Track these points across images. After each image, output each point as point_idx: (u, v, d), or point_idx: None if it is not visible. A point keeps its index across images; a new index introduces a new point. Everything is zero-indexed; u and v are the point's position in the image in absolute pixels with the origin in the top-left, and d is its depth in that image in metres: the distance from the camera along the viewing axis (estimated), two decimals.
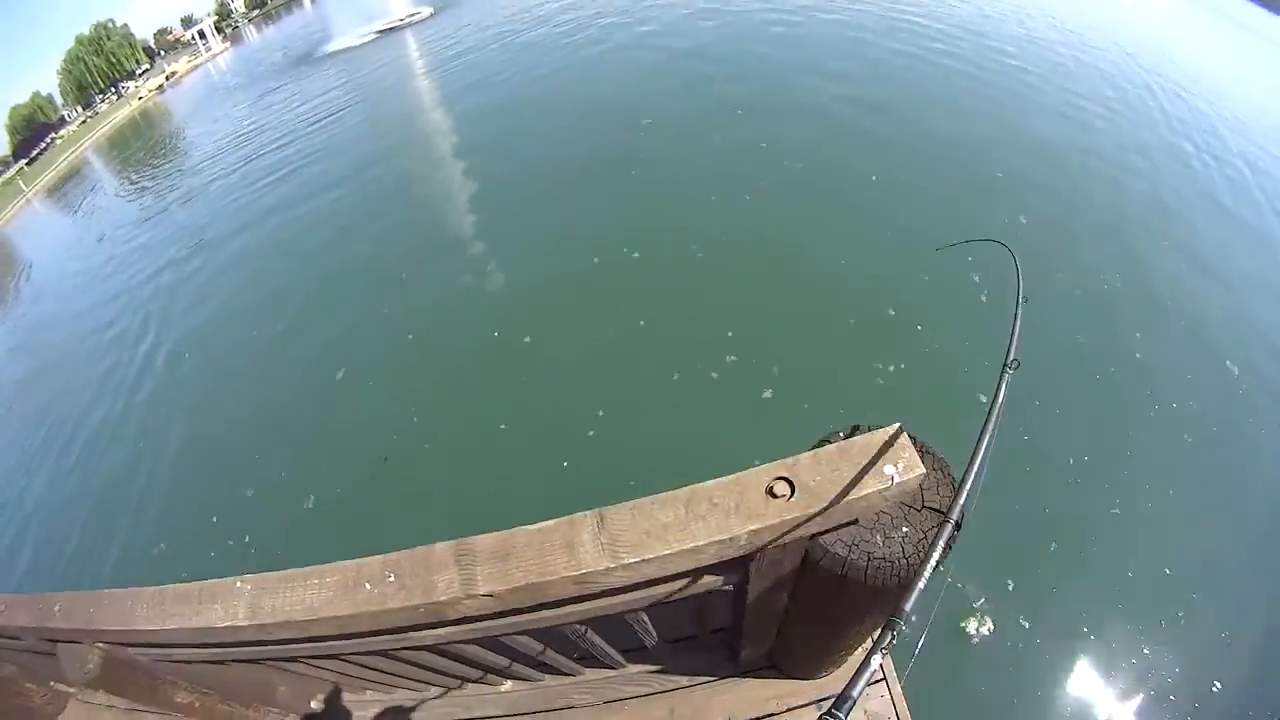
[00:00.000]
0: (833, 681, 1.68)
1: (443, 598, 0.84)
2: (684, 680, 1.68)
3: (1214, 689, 2.47)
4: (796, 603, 1.15)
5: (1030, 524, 2.89)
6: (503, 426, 3.14)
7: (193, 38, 51.00)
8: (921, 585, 0.77)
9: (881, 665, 1.62)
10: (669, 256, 4.06)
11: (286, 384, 4.02)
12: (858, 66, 5.80)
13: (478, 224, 5.00)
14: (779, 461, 0.90)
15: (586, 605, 1.02)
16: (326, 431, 3.54)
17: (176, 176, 11.78)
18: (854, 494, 0.83)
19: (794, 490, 0.86)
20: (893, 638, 0.72)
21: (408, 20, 17.36)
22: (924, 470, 0.83)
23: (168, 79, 38.02)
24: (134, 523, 3.71)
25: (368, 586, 0.86)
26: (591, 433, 3.01)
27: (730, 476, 0.90)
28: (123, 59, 56.15)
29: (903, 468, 0.84)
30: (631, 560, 0.85)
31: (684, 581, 1.01)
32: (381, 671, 1.39)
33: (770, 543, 0.89)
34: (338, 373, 3.94)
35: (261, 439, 3.71)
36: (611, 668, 1.65)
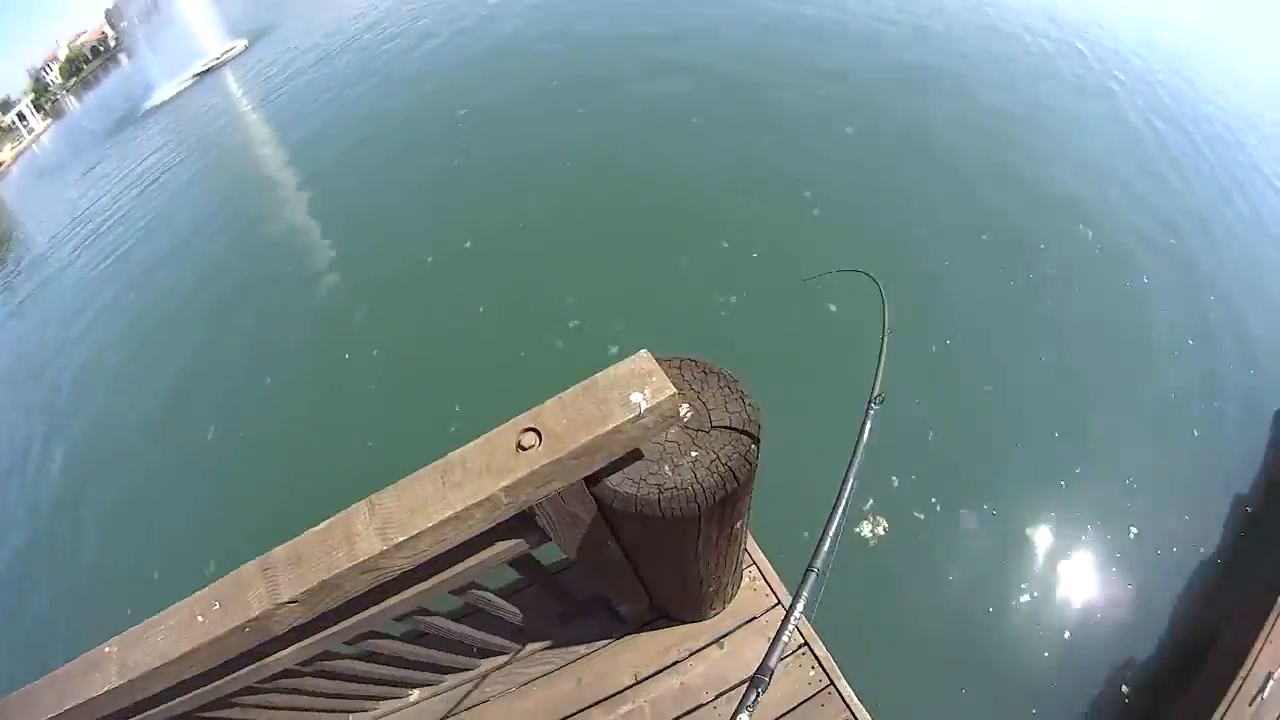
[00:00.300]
0: (728, 617, 1.67)
1: (257, 613, 0.82)
2: (583, 649, 1.67)
3: (1131, 534, 2.69)
4: (629, 549, 1.10)
5: (906, 417, 2.99)
6: (370, 444, 3.06)
7: (13, 122, 45.52)
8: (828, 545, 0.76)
9: (781, 604, 1.63)
10: (501, 242, 4.03)
11: (162, 463, 3.74)
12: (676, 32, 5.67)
13: (329, 250, 4.75)
14: (527, 412, 0.83)
15: (401, 596, 0.98)
16: (214, 492, 3.37)
17: (14, 279, 10.53)
18: (602, 430, 0.78)
19: (541, 438, 0.79)
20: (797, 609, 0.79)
21: (223, 57, 16.23)
22: (674, 390, 0.78)
23: None
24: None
25: (200, 619, 0.84)
26: (453, 428, 2.95)
27: (483, 437, 0.83)
28: None
29: (650, 393, 0.79)
30: (402, 539, 0.80)
31: (482, 552, 0.95)
32: (283, 709, 1.30)
33: (541, 496, 0.83)
34: (207, 433, 3.70)
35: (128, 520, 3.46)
36: (506, 653, 1.59)
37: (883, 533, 2.64)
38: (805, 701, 1.55)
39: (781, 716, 1.54)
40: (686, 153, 4.43)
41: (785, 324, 3.19)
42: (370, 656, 1.29)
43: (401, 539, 0.80)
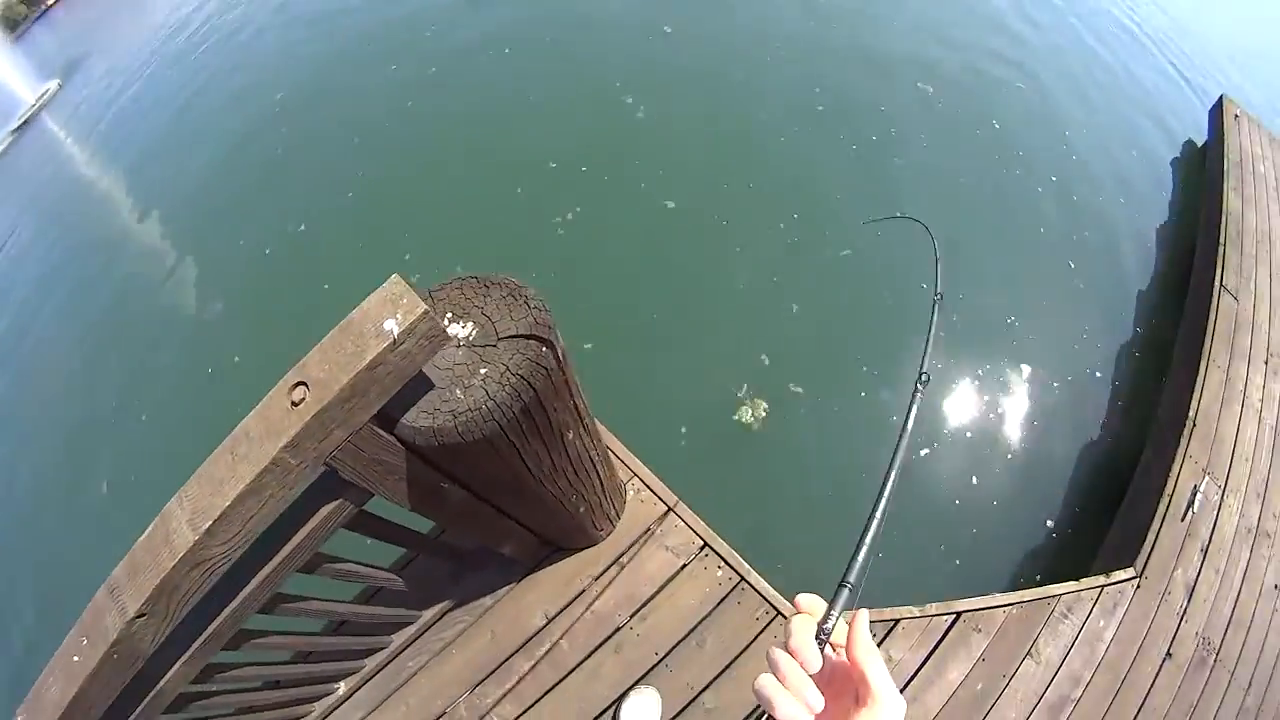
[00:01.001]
0: (622, 535, 1.72)
1: (115, 635, 0.79)
2: (489, 600, 1.68)
3: (1024, 372, 2.91)
4: (471, 487, 1.10)
5: (763, 289, 3.06)
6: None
7: None
8: None
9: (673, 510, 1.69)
10: (334, 217, 3.93)
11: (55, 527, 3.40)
12: None
13: (181, 269, 4.40)
14: (294, 367, 0.80)
15: (252, 586, 0.96)
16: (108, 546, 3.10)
17: None
18: (362, 365, 0.76)
19: (309, 389, 0.77)
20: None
21: (39, 103, 14.49)
22: (425, 308, 0.77)
23: None
24: None
25: (76, 659, 0.80)
26: None
27: (261, 402, 0.80)
28: None
29: (403, 315, 0.77)
30: (209, 524, 0.77)
31: (308, 523, 0.93)
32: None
33: (331, 449, 0.81)
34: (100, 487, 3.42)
35: None
36: (411, 623, 1.58)
37: (764, 414, 2.66)
38: (721, 601, 1.64)
39: (702, 621, 1.62)
40: (490, 82, 4.39)
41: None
42: (263, 660, 1.25)
43: (209, 524, 0.77)
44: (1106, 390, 2.90)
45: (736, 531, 1.82)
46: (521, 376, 0.87)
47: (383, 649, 1.60)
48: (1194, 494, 2.30)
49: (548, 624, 1.65)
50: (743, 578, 1.66)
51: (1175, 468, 2.37)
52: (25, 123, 14.01)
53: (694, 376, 2.76)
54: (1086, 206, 3.59)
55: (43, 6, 22.67)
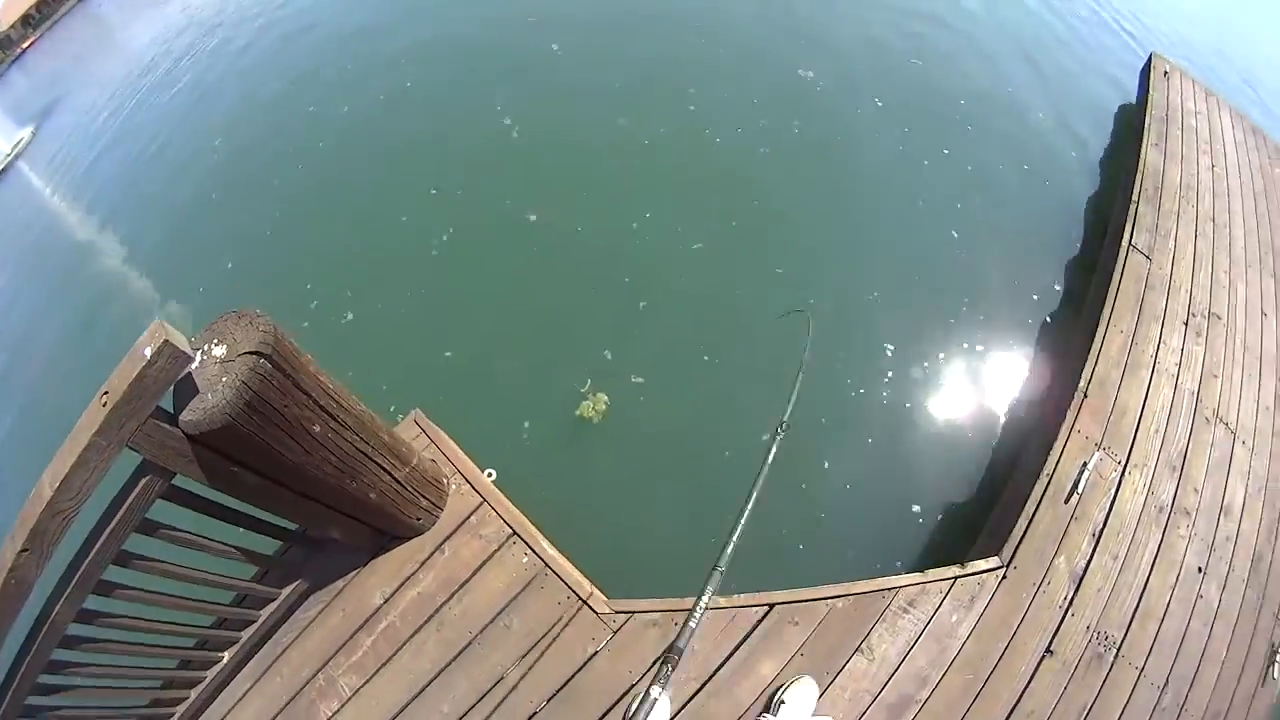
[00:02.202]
0: (445, 524, 2.49)
1: (9, 564, 1.51)
2: (340, 583, 2.49)
3: (887, 352, 3.53)
4: (259, 471, 1.93)
5: (611, 282, 3.90)
6: None
7: None
8: None
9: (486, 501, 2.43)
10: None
11: None
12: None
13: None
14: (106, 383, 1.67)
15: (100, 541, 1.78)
16: None
17: None
18: (133, 377, 1.61)
19: (109, 395, 1.63)
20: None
21: (13, 153, 17.39)
22: (165, 339, 1.60)
23: None
24: None
25: None
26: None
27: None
28: None
29: (153, 346, 1.61)
30: (59, 484, 1.60)
31: (130, 492, 1.77)
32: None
33: (128, 435, 1.66)
34: None
35: None
36: (273, 600, 2.41)
37: (604, 407, 3.37)
38: (526, 586, 2.35)
39: (509, 604, 2.34)
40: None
41: None
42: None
43: (58, 484, 1.57)
44: (1012, 366, 3.45)
45: (566, 521, 2.58)
46: (243, 381, 1.68)
47: (255, 623, 2.43)
48: (1081, 472, 2.45)
49: (384, 603, 2.44)
50: (546, 565, 2.36)
51: (1058, 444, 2.55)
52: (0, 172, 16.86)
53: (538, 374, 3.62)
54: (1021, 175, 4.27)
55: (16, 51, 26.71)
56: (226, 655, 2.43)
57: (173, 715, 2.38)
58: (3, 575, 1.60)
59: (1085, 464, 2.48)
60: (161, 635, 2.17)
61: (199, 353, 1.73)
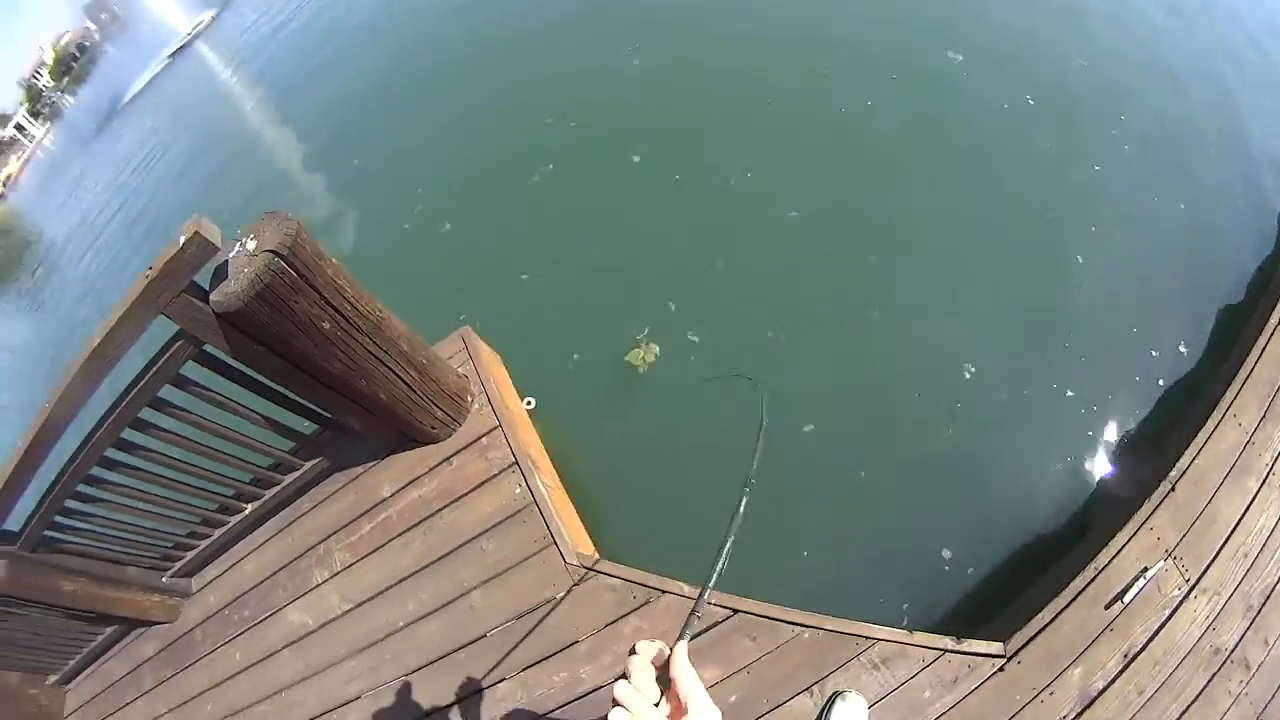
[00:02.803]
0: (460, 439, 2.71)
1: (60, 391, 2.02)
2: (359, 469, 2.81)
3: (969, 372, 3.36)
4: (277, 351, 2.20)
5: (692, 243, 3.87)
6: None
7: (13, 134, 55.14)
8: None
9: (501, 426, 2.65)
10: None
11: None
12: None
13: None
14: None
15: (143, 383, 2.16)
16: None
17: (49, 273, 13.96)
18: (169, 257, 1.90)
19: (152, 271, 1.94)
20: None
21: (194, 31, 19.46)
22: (196, 230, 1.87)
23: (4, 185, 41.53)
24: None
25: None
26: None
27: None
28: None
29: (184, 235, 1.89)
30: (109, 331, 1.97)
31: (168, 351, 2.10)
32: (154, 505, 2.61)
33: (163, 305, 1.97)
34: None
35: None
36: (296, 469, 2.80)
37: (653, 358, 3.40)
38: (511, 516, 2.52)
39: (492, 528, 2.55)
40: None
41: None
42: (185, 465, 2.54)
43: (107, 331, 1.96)
44: (1104, 426, 3.04)
45: (584, 464, 2.76)
46: (257, 274, 1.93)
47: (277, 485, 2.80)
48: (1137, 578, 2.11)
49: (390, 497, 2.72)
50: (534, 500, 2.50)
51: (1121, 536, 2.19)
52: (181, 49, 19.08)
53: (602, 312, 3.76)
54: (1176, 214, 3.71)
55: None
56: (249, 508, 2.86)
57: (198, 546, 2.83)
58: (56, 397, 1.99)
59: (1145, 570, 2.12)
60: (192, 476, 2.59)
61: (237, 244, 1.96)
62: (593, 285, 3.97)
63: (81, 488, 2.34)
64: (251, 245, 1.95)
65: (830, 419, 3.12)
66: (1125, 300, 3.38)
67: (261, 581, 2.86)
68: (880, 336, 3.36)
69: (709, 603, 1.08)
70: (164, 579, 2.97)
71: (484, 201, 4.83)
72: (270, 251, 1.88)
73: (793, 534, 2.87)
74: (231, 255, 1.95)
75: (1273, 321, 2.64)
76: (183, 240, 1.80)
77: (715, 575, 0.96)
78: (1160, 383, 3.12)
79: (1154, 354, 3.19)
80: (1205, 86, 4.44)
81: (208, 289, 1.95)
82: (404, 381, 2.41)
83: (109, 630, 3.12)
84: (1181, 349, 3.20)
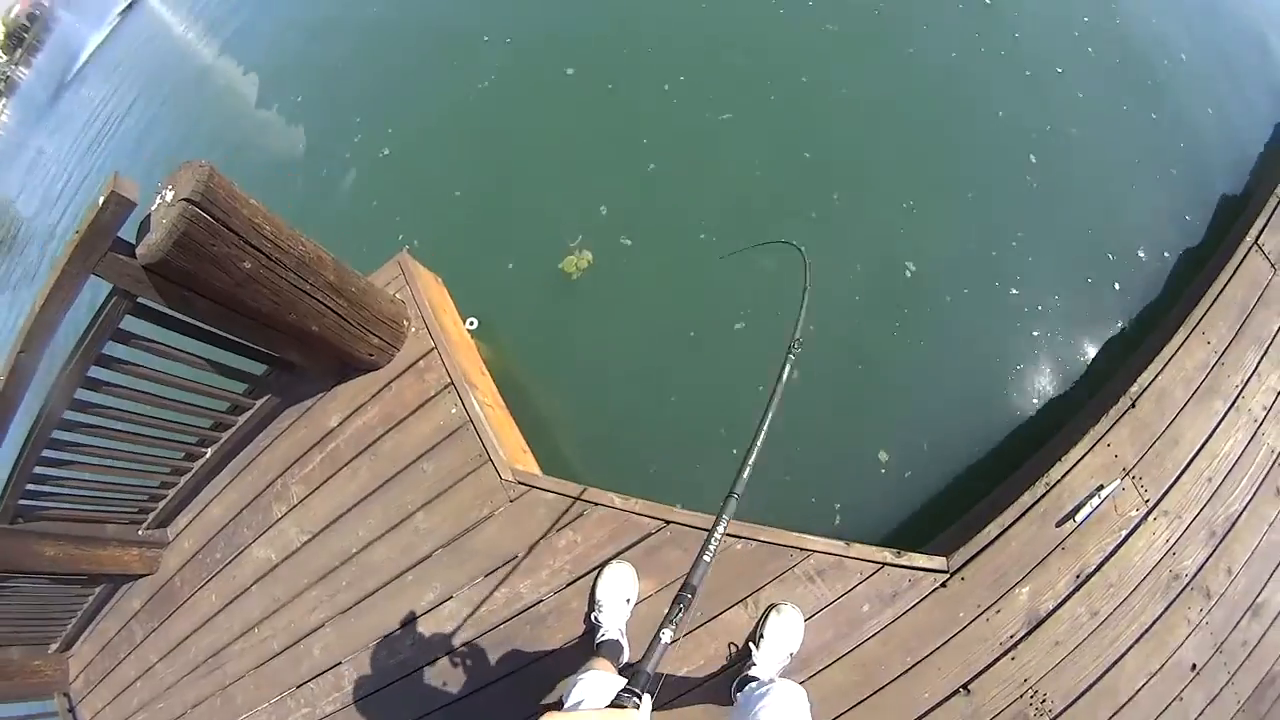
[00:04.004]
0: (399, 364, 2.96)
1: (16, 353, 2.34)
2: (309, 403, 3.09)
3: (908, 271, 3.53)
4: (206, 295, 2.47)
5: (623, 146, 4.10)
6: None
7: None
8: None
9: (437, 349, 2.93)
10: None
11: None
12: None
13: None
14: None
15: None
16: None
17: (21, 244, 14.53)
18: (93, 217, 2.19)
19: (79, 232, 2.23)
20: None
21: None
22: (113, 189, 2.16)
23: None
24: None
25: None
26: None
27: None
28: None
29: (103, 194, 2.17)
30: (46, 298, 2.27)
31: (106, 307, 2.40)
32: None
33: (94, 264, 2.25)
34: None
35: None
36: (248, 409, 3.13)
37: (586, 265, 3.62)
38: (448, 436, 2.80)
39: (431, 449, 2.82)
40: None
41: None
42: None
43: (44, 300, 2.24)
44: (1063, 331, 3.18)
45: (525, 380, 3.07)
46: (172, 222, 2.20)
47: (231, 427, 3.10)
48: (1091, 496, 2.14)
49: (337, 426, 2.98)
50: (470, 419, 2.76)
51: (1076, 451, 2.21)
52: (130, 6, 19.43)
53: (536, 221, 4.02)
54: (1150, 124, 3.84)
55: None
56: (209, 451, 3.16)
57: (168, 495, 3.18)
58: (7, 370, 2.26)
59: (1101, 488, 2.14)
60: (153, 428, 2.88)
61: (158, 195, 2.23)
62: (527, 197, 4.24)
63: (48, 453, 2.62)
64: (169, 195, 2.19)
65: (762, 318, 3.34)
66: (1079, 196, 3.55)
67: (228, 523, 3.17)
68: (817, 234, 3.54)
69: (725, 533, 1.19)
70: (140, 531, 3.28)
71: (421, 124, 5.09)
72: (185, 200, 2.12)
73: (720, 434, 3.10)
74: (153, 208, 2.19)
75: (1249, 238, 2.72)
76: (101, 200, 2.05)
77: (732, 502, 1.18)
78: (1118, 288, 3.28)
79: (1110, 256, 3.37)
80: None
81: (135, 243, 2.18)
82: (334, 311, 2.64)
83: (97, 590, 3.46)
84: (1140, 254, 3.37)
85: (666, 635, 0.98)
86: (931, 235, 3.46)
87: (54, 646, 3.63)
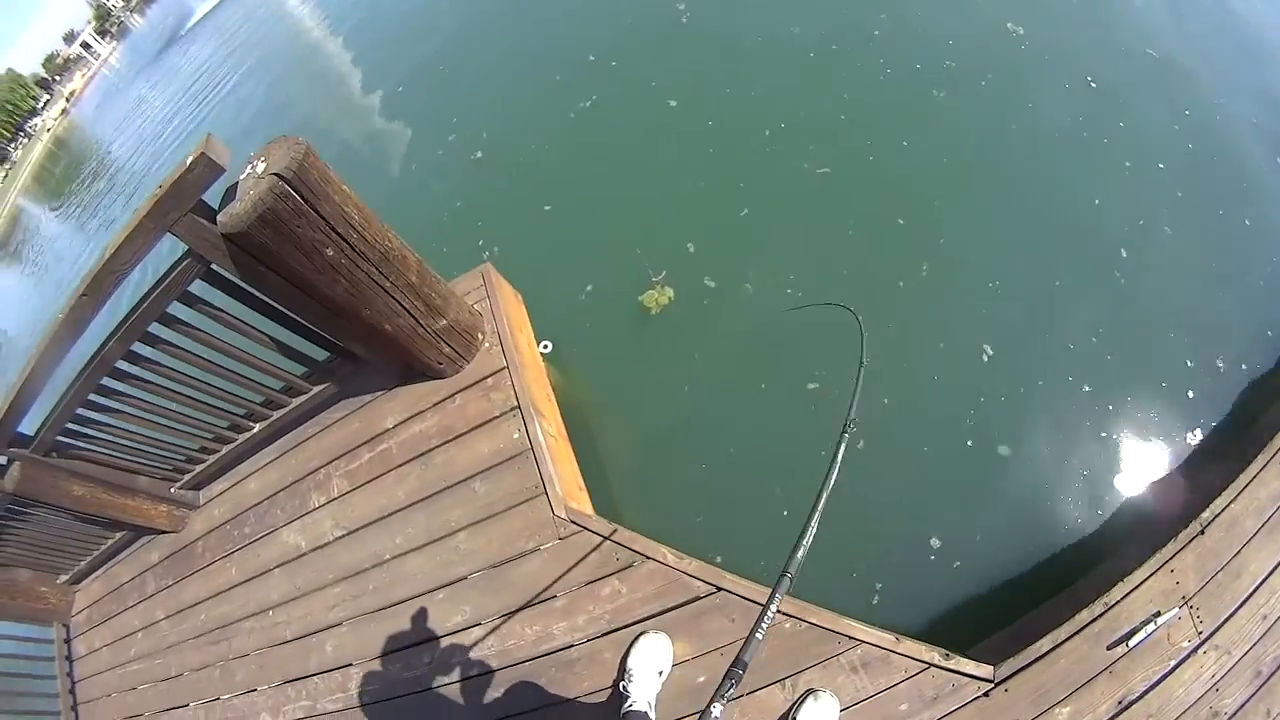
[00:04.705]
0: (467, 377, 2.76)
1: (70, 306, 2.15)
2: (367, 398, 2.91)
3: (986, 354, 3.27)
4: (280, 273, 2.26)
5: (718, 191, 3.92)
6: None
7: (79, 52, 57.32)
8: None
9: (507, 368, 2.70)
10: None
11: None
12: None
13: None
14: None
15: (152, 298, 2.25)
16: None
17: (110, 183, 14.67)
18: (177, 176, 1.96)
19: (162, 189, 2.00)
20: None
21: None
22: (203, 150, 1.92)
23: (69, 100, 43.16)
24: None
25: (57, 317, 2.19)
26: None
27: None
28: (18, 102, 68.23)
29: (193, 155, 1.95)
30: (117, 248, 2.05)
31: (176, 269, 2.19)
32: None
33: (170, 223, 2.04)
34: None
35: None
36: (305, 394, 2.92)
37: (667, 301, 3.48)
38: (507, 460, 2.57)
39: (486, 470, 2.59)
40: None
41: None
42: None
43: (114, 250, 2.05)
44: (1136, 440, 2.88)
45: (586, 408, 2.82)
46: (259, 196, 1.99)
47: (286, 407, 2.93)
48: (1147, 623, 2.00)
49: (392, 428, 2.81)
50: (531, 447, 2.55)
51: (1137, 575, 2.07)
52: None
53: (622, 250, 3.79)
54: (1242, 231, 3.48)
55: None
56: (257, 427, 3.01)
57: (206, 460, 2.98)
58: (66, 311, 2.10)
59: (1158, 614, 2.00)
60: (203, 393, 2.74)
61: (249, 165, 2.02)
62: (616, 223, 4.06)
63: (93, 397, 2.49)
64: (260, 168, 2.01)
65: (837, 380, 3.09)
66: (1164, 302, 3.25)
67: (262, 500, 3.02)
68: (901, 306, 3.29)
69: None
70: (172, 489, 3.14)
71: (517, 134, 4.98)
72: (275, 175, 1.94)
73: (776, 493, 2.90)
74: (242, 177, 2.01)
75: None
76: (189, 160, 1.87)
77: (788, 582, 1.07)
78: (1191, 396, 2.97)
79: (1188, 364, 3.04)
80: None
81: (218, 209, 2.02)
82: (410, 314, 2.46)
83: (118, 535, 3.34)
84: (1219, 365, 3.05)
85: (717, 710, 0.90)
86: (1013, 321, 3.18)
87: (63, 577, 3.53)
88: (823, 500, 1.23)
